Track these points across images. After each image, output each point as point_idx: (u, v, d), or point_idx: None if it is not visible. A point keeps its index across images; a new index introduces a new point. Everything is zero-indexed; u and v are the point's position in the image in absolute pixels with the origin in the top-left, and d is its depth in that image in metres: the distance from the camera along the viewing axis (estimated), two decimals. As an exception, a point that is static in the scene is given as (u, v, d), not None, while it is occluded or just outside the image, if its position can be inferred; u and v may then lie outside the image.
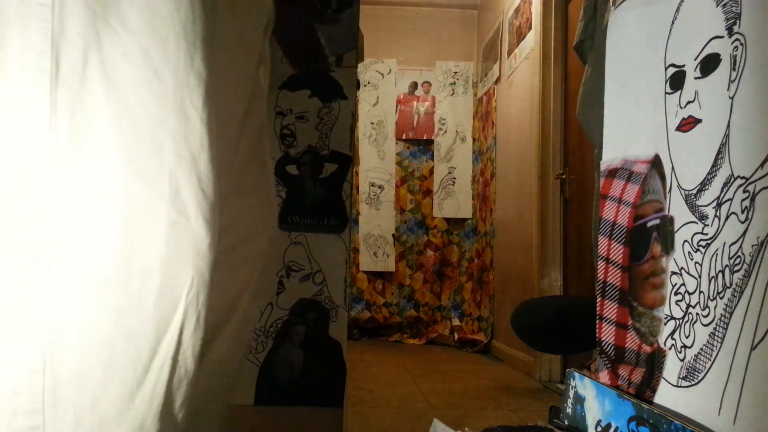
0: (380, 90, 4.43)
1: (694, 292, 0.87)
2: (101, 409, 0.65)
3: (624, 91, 1.07)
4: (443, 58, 4.50)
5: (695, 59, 0.91)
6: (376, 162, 4.36)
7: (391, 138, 4.39)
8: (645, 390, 0.94)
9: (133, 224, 0.65)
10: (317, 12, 1.70)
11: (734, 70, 0.83)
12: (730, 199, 0.82)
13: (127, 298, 0.65)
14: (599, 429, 0.96)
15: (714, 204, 0.85)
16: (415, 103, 4.47)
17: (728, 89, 0.84)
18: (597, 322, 1.04)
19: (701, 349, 0.84)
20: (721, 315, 0.81)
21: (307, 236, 1.64)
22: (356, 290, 4.24)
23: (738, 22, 0.84)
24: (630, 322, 0.99)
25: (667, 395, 0.89)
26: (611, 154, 1.08)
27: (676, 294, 0.91)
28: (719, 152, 0.85)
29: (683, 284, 0.90)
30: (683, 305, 0.89)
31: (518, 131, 3.47)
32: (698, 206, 0.88)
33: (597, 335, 1.04)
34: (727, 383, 0.78)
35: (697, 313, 0.86)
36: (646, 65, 1.02)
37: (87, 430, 0.64)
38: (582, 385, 1.03)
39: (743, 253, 0.78)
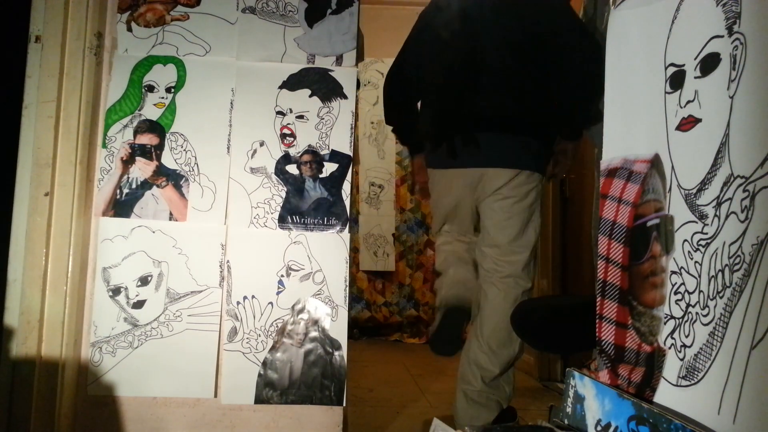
0: (380, 89, 4.41)
1: (693, 291, 0.87)
2: None
3: (624, 90, 1.07)
4: (443, 58, 4.48)
5: (695, 59, 0.91)
6: (376, 161, 4.36)
7: (392, 137, 4.37)
8: (645, 389, 0.94)
9: None
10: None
11: (734, 69, 0.83)
12: (730, 199, 0.82)
13: None
14: (599, 428, 0.96)
15: (714, 203, 0.85)
16: (415, 102, 4.46)
17: (728, 89, 0.84)
18: (597, 321, 1.04)
19: (701, 348, 0.84)
20: (721, 314, 0.81)
21: (307, 236, 1.64)
22: (356, 290, 4.24)
23: (738, 21, 0.84)
24: (630, 322, 0.99)
25: (666, 394, 0.89)
26: (611, 154, 1.08)
27: (675, 293, 0.91)
28: (719, 152, 0.85)
29: (683, 283, 0.90)
30: (683, 304, 0.89)
31: (518, 131, 3.45)
32: (698, 205, 0.88)
33: (597, 335, 1.04)
34: (726, 382, 0.78)
35: (697, 313, 0.86)
36: (646, 65, 1.02)
37: None
38: (582, 385, 1.03)
39: (743, 253, 0.78)
